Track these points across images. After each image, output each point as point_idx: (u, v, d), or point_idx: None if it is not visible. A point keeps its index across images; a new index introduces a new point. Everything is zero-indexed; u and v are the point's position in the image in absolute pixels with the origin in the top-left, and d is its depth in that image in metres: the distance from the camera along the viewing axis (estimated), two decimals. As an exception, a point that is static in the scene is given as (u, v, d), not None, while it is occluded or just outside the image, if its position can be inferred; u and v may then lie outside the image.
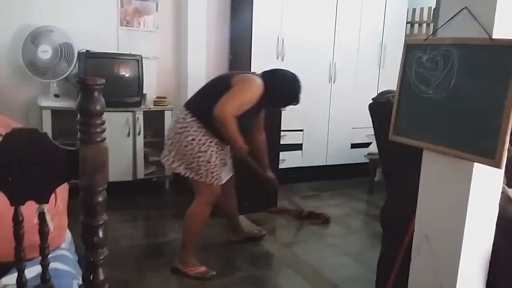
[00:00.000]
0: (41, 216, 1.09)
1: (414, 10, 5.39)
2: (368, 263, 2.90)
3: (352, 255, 3.14)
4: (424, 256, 1.77)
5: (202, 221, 2.73)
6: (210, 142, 2.62)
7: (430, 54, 1.70)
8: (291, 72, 2.80)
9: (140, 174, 4.10)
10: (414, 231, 1.83)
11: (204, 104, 2.59)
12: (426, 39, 1.73)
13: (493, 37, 1.47)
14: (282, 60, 4.43)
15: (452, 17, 1.60)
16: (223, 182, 2.78)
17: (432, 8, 5.18)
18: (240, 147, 2.64)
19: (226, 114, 2.47)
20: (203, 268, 2.72)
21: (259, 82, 2.63)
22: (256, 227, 3.49)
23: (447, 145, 1.62)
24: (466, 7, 1.55)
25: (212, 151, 2.62)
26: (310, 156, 4.83)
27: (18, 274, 1.09)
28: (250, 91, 2.60)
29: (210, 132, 2.61)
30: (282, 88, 2.75)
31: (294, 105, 2.82)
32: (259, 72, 2.80)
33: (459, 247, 1.62)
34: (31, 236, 1.20)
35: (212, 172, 2.64)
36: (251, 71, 2.84)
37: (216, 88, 2.63)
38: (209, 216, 2.76)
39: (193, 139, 2.60)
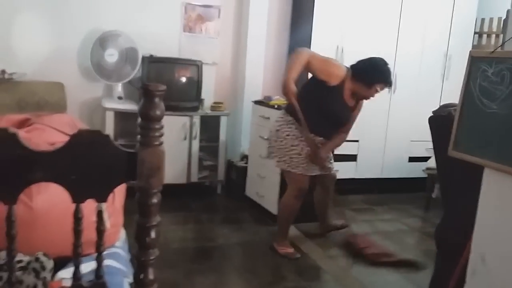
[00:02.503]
0: (99, 214, 1.14)
1: (483, 20, 5.16)
2: (420, 283, 2.80)
3: (403, 273, 3.03)
4: (480, 279, 1.69)
5: (289, 211, 3.10)
6: (301, 138, 2.94)
7: (496, 68, 1.62)
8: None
9: (194, 178, 4.19)
10: (470, 253, 1.75)
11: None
12: (493, 51, 1.65)
13: None
14: (340, 70, 4.37)
15: (522, 31, 1.53)
16: (312, 174, 3.06)
17: (502, 19, 4.93)
18: (286, 85, 2.83)
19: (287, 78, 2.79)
20: (290, 250, 3.12)
21: (341, 66, 2.96)
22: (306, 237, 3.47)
23: (510, 164, 1.54)
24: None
25: (303, 145, 2.95)
26: (365, 168, 4.73)
27: (75, 268, 1.14)
28: (327, 63, 2.91)
29: (301, 128, 2.93)
30: (367, 62, 2.92)
31: (388, 86, 3.00)
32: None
33: (519, 273, 1.53)
34: (89, 233, 1.25)
35: (303, 164, 2.97)
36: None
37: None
38: (298, 208, 3.11)
39: (287, 135, 2.95)
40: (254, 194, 4.03)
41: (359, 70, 2.91)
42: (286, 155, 2.97)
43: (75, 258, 1.14)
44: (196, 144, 4.15)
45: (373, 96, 3.01)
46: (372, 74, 2.91)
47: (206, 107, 4.31)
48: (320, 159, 3.01)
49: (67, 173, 1.04)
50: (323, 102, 2.93)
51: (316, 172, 3.10)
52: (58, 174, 1.05)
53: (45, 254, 1.45)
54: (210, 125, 4.29)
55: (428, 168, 4.35)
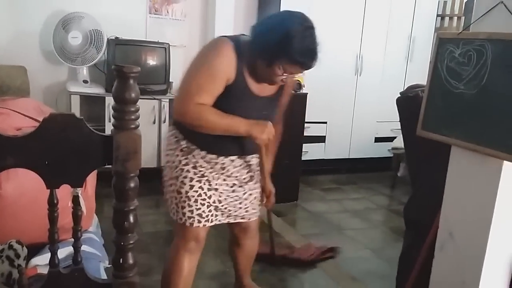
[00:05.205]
0: (75, 199, 1.13)
1: (445, 3, 5.27)
2: (389, 258, 2.89)
3: (372, 249, 3.13)
4: (448, 254, 1.76)
5: (175, 273, 1.89)
6: (187, 163, 1.82)
7: (463, 49, 1.66)
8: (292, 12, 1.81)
9: (164, 161, 4.13)
10: (438, 228, 1.81)
11: None
12: (460, 33, 1.69)
13: (530, 33, 1.44)
14: (308, 51, 4.39)
15: (488, 11, 1.57)
16: (208, 224, 1.87)
17: (464, 1, 5.06)
18: (247, 130, 1.73)
19: (186, 107, 1.71)
20: None
21: (224, 44, 1.77)
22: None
23: (477, 142, 1.60)
24: (502, 2, 1.52)
25: (186, 176, 1.80)
26: (333, 149, 4.81)
27: (51, 255, 1.12)
28: (208, 62, 1.78)
29: (191, 145, 1.82)
30: (267, 22, 1.78)
31: (298, 65, 1.75)
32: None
33: (484, 246, 1.60)
34: (62, 219, 1.23)
35: (183, 208, 1.81)
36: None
37: None
38: (189, 268, 1.91)
39: (167, 161, 1.91)
40: (225, 177, 4.03)
41: (254, 37, 1.75)
42: (166, 193, 1.91)
43: (52, 245, 1.12)
44: (165, 128, 4.10)
45: (278, 80, 1.75)
46: (268, 43, 1.67)
47: (175, 90, 4.25)
48: (269, 190, 2.03)
49: (40, 158, 1.02)
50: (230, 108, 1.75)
51: (228, 219, 1.98)
52: (31, 159, 1.02)
53: (18, 242, 1.42)
54: (179, 109, 4.25)
55: (393, 148, 4.46)
